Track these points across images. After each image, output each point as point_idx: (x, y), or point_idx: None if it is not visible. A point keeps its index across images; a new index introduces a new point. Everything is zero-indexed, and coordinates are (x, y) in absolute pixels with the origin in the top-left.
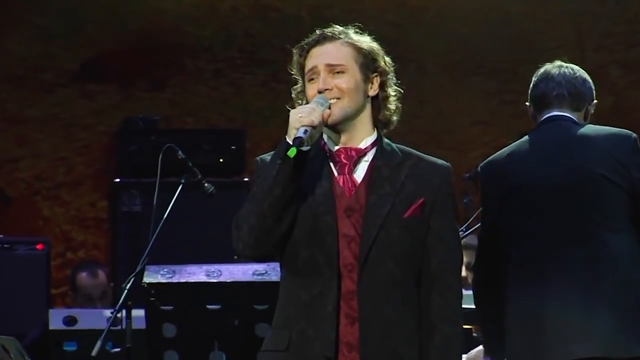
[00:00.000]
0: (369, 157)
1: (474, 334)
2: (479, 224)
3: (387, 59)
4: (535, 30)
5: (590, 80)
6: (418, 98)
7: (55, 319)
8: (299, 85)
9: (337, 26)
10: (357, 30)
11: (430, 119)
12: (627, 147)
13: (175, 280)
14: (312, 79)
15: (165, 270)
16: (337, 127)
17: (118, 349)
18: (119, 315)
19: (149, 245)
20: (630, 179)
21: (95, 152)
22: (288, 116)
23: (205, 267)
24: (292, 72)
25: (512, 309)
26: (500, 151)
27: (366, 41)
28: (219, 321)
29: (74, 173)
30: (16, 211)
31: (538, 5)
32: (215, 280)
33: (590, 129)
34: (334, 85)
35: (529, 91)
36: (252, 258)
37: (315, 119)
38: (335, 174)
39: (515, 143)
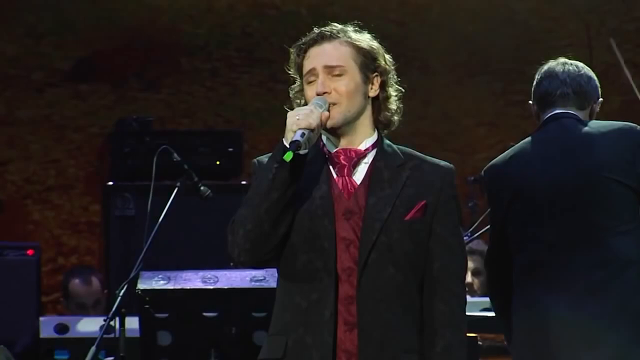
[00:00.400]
0: (369, 158)
1: (479, 342)
2: (485, 229)
3: (388, 57)
4: (543, 29)
5: (595, 78)
6: (422, 99)
7: (47, 327)
8: (296, 85)
9: (336, 24)
10: (357, 28)
11: (435, 120)
12: (633, 142)
13: (170, 286)
14: (311, 81)
15: (160, 276)
16: (336, 130)
17: (111, 358)
18: (112, 322)
19: (144, 251)
20: (637, 175)
21: (87, 154)
22: (286, 117)
23: (201, 273)
24: (290, 72)
25: (519, 318)
26: (504, 154)
27: (365, 40)
28: (216, 329)
29: (66, 176)
30: (5, 215)
31: (545, 3)
32: (211, 287)
33: (594, 126)
34: (333, 88)
35: (532, 89)
36: (249, 264)
37: (314, 121)
38: (334, 176)
39: (518, 145)
